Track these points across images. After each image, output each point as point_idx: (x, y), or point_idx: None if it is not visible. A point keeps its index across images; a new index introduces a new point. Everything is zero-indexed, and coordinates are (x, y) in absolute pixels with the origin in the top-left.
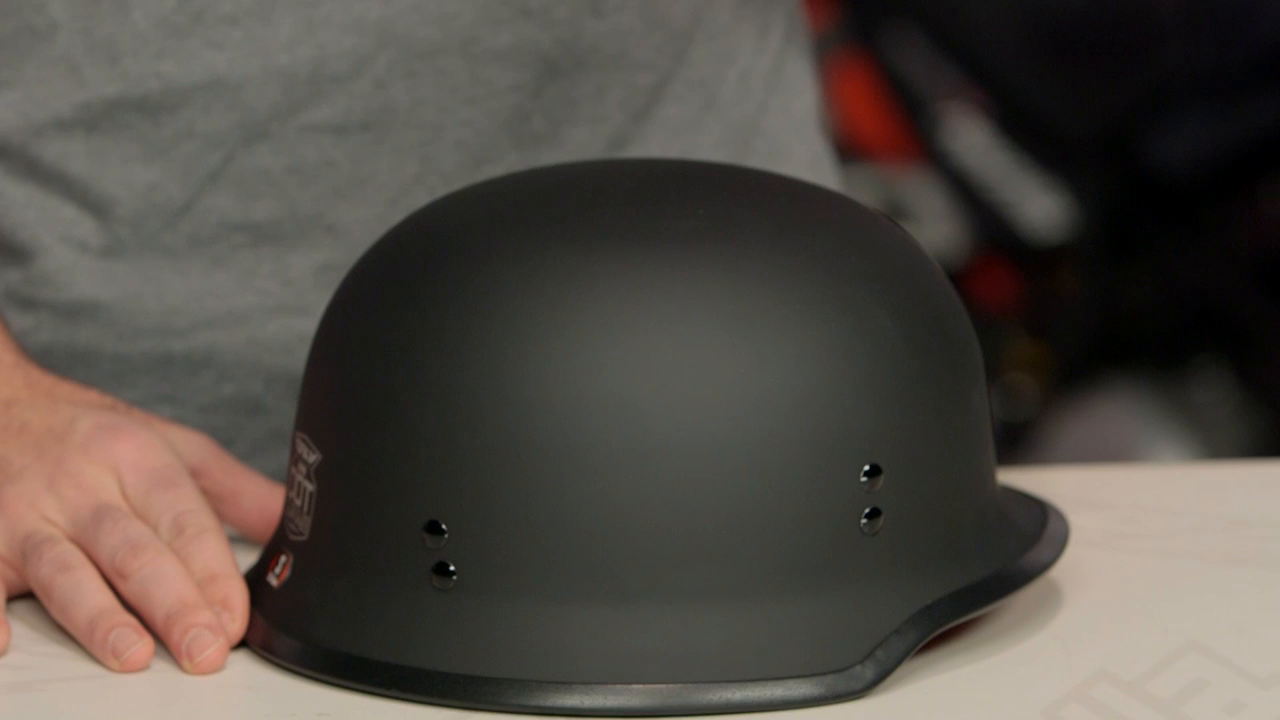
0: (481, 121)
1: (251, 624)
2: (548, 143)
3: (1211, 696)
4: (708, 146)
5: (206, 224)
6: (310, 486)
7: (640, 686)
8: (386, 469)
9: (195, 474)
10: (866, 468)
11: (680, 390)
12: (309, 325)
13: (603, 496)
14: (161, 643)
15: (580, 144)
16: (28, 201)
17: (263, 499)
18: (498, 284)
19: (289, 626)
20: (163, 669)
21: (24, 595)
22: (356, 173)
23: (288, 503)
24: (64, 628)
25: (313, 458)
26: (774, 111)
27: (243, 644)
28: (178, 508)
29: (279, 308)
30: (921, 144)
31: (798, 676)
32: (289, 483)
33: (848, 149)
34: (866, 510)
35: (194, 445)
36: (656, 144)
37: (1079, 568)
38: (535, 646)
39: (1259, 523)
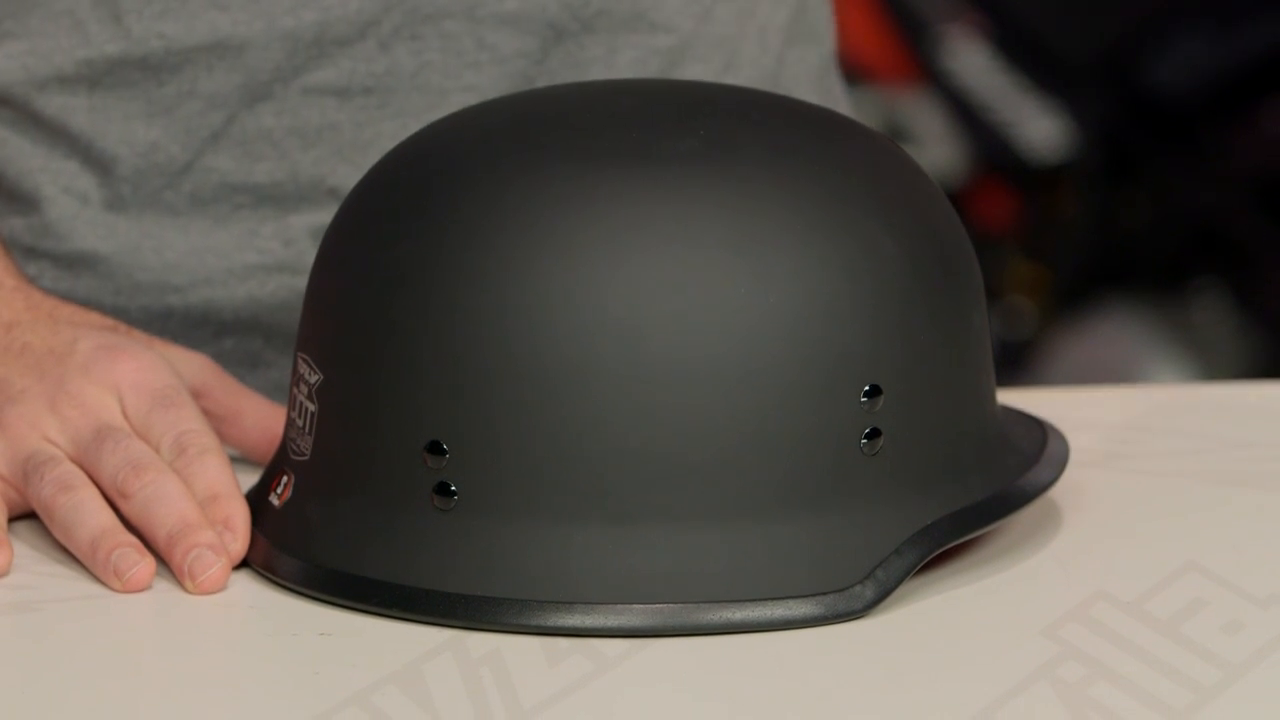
0: (486, 87)
1: (253, 544)
2: None
3: (1210, 616)
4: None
5: (208, 184)
6: (312, 407)
7: (640, 606)
8: (388, 390)
9: (197, 394)
10: (866, 388)
11: (680, 310)
12: None
13: (603, 417)
14: (163, 562)
15: None
16: (31, 152)
17: (264, 419)
18: (497, 204)
19: (290, 546)
20: (164, 589)
21: (25, 515)
22: (359, 135)
23: (289, 423)
24: (65, 548)
25: (314, 378)
26: (791, 63)
27: (244, 564)
28: (179, 428)
29: (279, 266)
30: (922, 66)
31: (798, 596)
32: (290, 403)
33: (848, 71)
34: (866, 430)
35: (195, 366)
36: None
37: (1078, 488)
38: (536, 567)
39: (1257, 443)
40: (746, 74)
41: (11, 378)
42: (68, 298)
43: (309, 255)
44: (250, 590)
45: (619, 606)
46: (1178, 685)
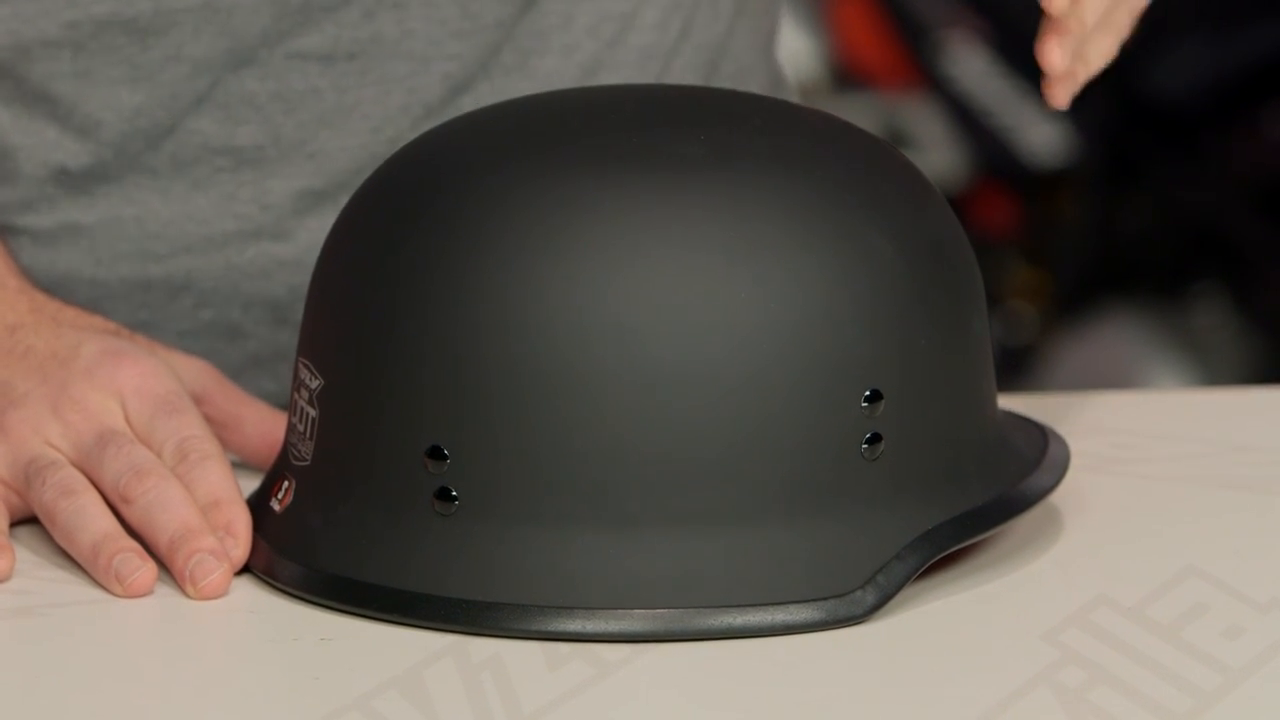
0: (467, 55)
1: (254, 549)
2: (516, 73)
3: (1211, 621)
4: (678, 69)
5: (189, 146)
6: (313, 412)
7: (641, 611)
8: (389, 394)
9: (197, 400)
10: (867, 393)
11: (681, 315)
12: (287, 250)
13: (604, 421)
14: (165, 568)
15: (550, 73)
16: (12, 125)
17: (265, 424)
18: (499, 209)
19: (291, 551)
20: (166, 594)
21: (27, 520)
22: (341, 101)
23: (290, 428)
24: (67, 553)
25: (315, 383)
26: (740, 33)
27: (246, 569)
28: (181, 433)
29: (257, 232)
30: (922, 71)
31: (798, 601)
32: (291, 408)
33: (849, 76)
34: (867, 435)
35: (196, 371)
36: (630, 70)
37: (1079, 493)
38: (537, 571)
39: (1258, 448)
40: (698, 40)
41: (14, 381)
42: (47, 271)
43: (287, 221)
44: (251, 595)
45: (619, 611)
46: (1178, 690)
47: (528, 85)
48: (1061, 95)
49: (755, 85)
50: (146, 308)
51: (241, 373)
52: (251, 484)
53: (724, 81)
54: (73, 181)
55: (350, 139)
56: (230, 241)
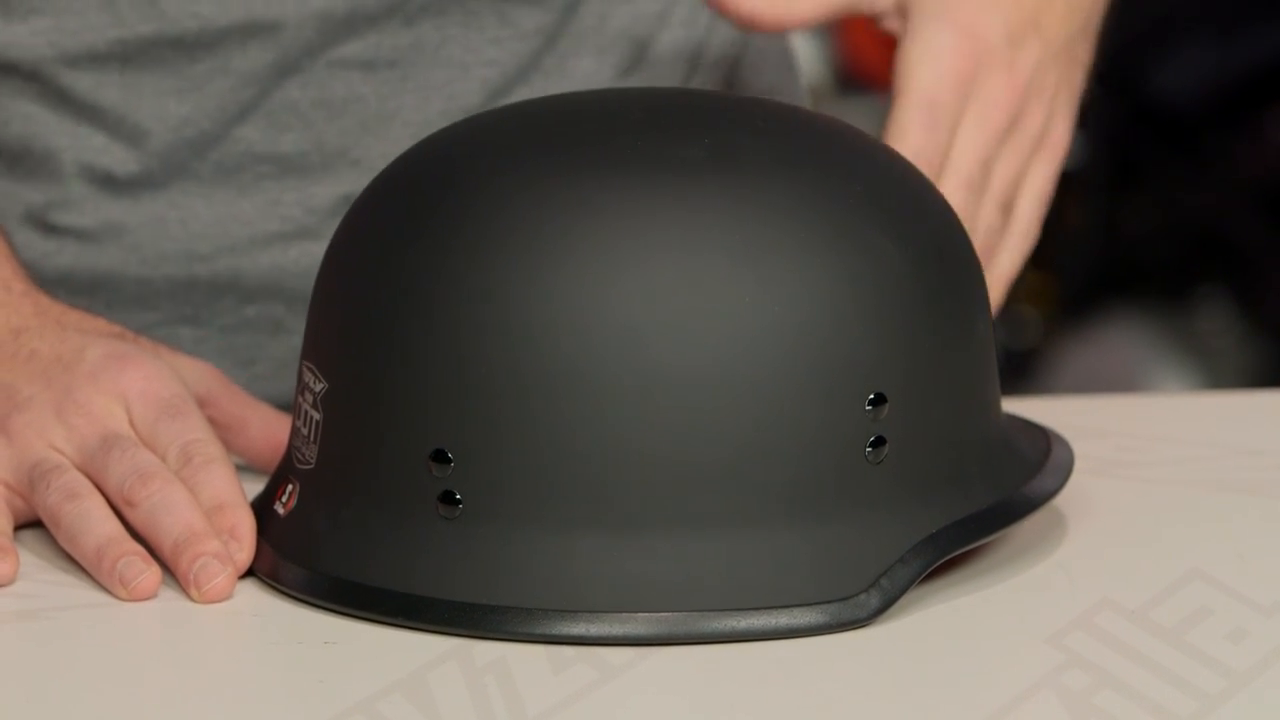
0: (506, 61)
1: (258, 553)
2: (554, 76)
3: (1215, 624)
4: (708, 63)
5: (234, 154)
6: (317, 415)
7: (645, 615)
8: (393, 398)
9: (202, 403)
10: (871, 396)
11: (685, 318)
12: None
13: (608, 425)
14: (169, 571)
15: (586, 74)
16: (58, 128)
17: (270, 427)
18: (504, 213)
19: (296, 555)
20: (170, 597)
21: (32, 524)
22: (383, 108)
23: (294, 431)
24: (72, 556)
25: (319, 387)
26: None
27: (250, 573)
28: (185, 437)
29: (301, 233)
30: None
31: (802, 605)
32: (295, 411)
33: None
34: (871, 438)
35: (201, 374)
36: (663, 66)
37: (1083, 496)
38: (541, 575)
39: (1262, 451)
40: (724, 35)
41: (19, 384)
42: (90, 270)
43: (331, 225)
44: (255, 599)
45: (623, 615)
46: (1182, 693)
47: (565, 88)
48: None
49: (771, 71)
50: (191, 304)
51: (287, 365)
52: (256, 486)
53: (746, 68)
54: (118, 185)
55: (392, 145)
56: (274, 242)
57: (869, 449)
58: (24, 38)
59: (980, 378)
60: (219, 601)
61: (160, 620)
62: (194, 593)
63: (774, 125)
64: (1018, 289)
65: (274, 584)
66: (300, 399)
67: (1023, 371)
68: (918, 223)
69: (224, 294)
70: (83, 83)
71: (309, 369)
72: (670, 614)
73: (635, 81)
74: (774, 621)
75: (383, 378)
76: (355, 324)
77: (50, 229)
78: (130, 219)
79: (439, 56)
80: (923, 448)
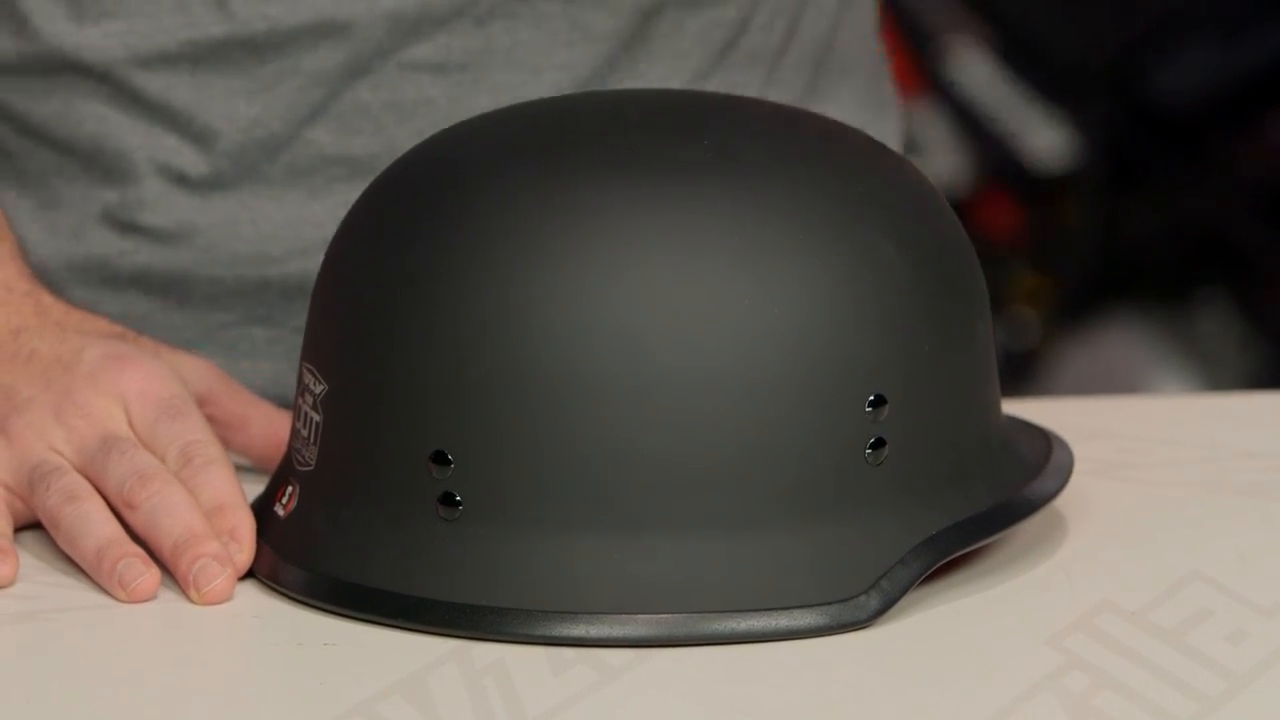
0: (578, 65)
1: (258, 554)
2: (628, 80)
3: (1215, 626)
4: (786, 69)
5: (305, 156)
6: (317, 417)
7: (645, 616)
8: (393, 400)
9: (203, 402)
10: (871, 398)
11: (685, 320)
12: None
13: (608, 427)
14: (169, 573)
15: (660, 80)
16: (131, 128)
17: (271, 425)
18: (503, 214)
19: (295, 557)
20: (170, 599)
21: (31, 526)
22: (454, 111)
23: (294, 433)
24: (71, 558)
25: (319, 388)
26: (845, 26)
27: (250, 574)
28: (185, 438)
29: None
30: (926, 76)
31: (802, 606)
32: (295, 413)
33: None
34: (871, 440)
35: (201, 372)
36: (739, 73)
37: (1083, 498)
38: (541, 576)
39: (1262, 453)
40: (806, 37)
41: (18, 385)
42: (164, 272)
43: None
44: (255, 600)
45: (623, 616)
46: (1182, 695)
47: None
48: None
49: (859, 76)
50: (264, 305)
51: None
52: (256, 487)
53: (831, 77)
54: (191, 186)
55: None
56: None
57: (869, 450)
58: (97, 40)
59: (980, 379)
60: (219, 603)
61: (160, 622)
62: (193, 594)
63: (774, 125)
64: (1018, 290)
65: (274, 585)
66: (300, 400)
67: (1023, 373)
68: (918, 223)
69: (295, 296)
70: (154, 84)
71: (309, 370)
72: (670, 615)
73: (711, 88)
74: (774, 623)
75: (383, 379)
76: (355, 325)
77: (125, 228)
78: (202, 220)
79: (510, 59)
80: (923, 449)
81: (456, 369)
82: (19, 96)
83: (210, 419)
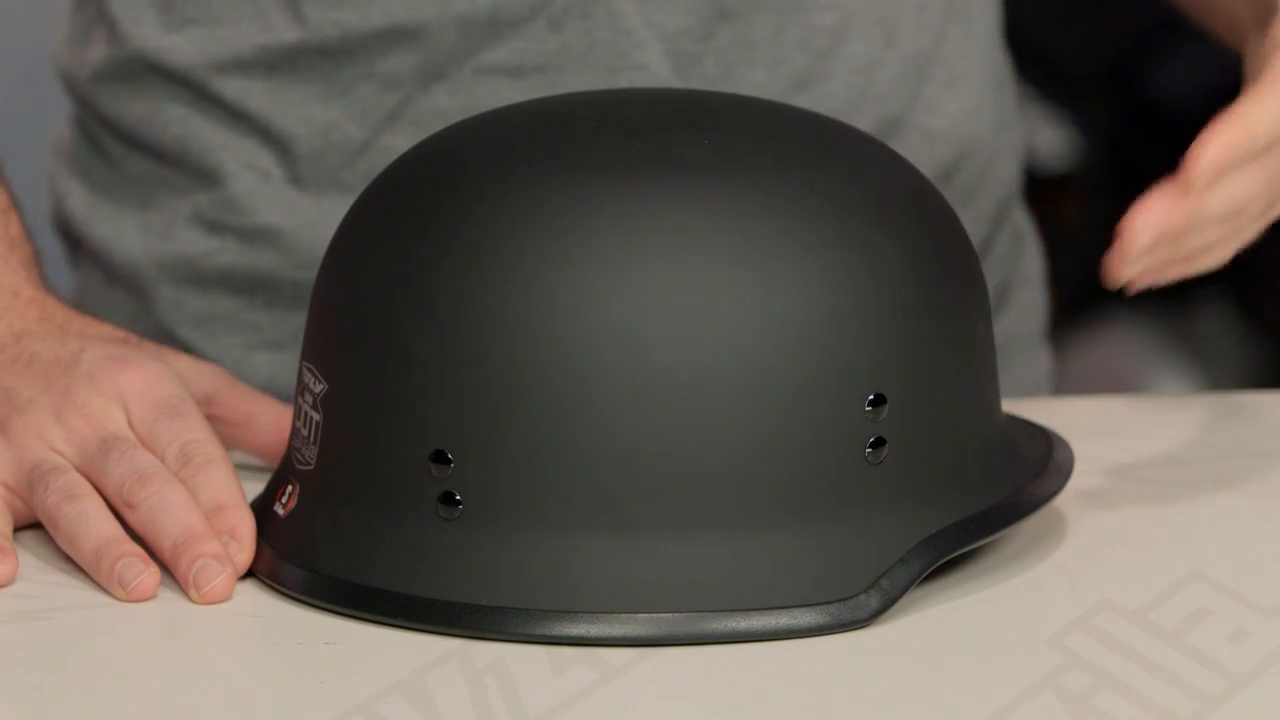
0: (654, 65)
1: (258, 554)
2: (720, 84)
3: (1215, 625)
4: (885, 81)
5: (384, 163)
6: (317, 416)
7: (645, 615)
8: (393, 399)
9: (208, 403)
10: (871, 397)
11: (685, 320)
12: None
13: (608, 426)
14: (168, 572)
15: (755, 85)
16: (213, 131)
17: (279, 421)
18: (503, 214)
19: (295, 556)
20: (169, 598)
21: (31, 525)
22: None
23: (294, 433)
24: (71, 557)
25: (319, 388)
26: (953, 39)
27: (250, 574)
28: (184, 437)
29: None
30: None
31: (802, 605)
32: (295, 412)
33: None
34: (871, 439)
35: (205, 374)
36: (837, 83)
37: (1083, 497)
38: (541, 576)
39: (1262, 453)
40: (904, 50)
41: (18, 387)
42: (249, 271)
43: None
44: (255, 600)
45: (624, 616)
46: (1182, 694)
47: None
48: (1125, 270)
49: (969, 90)
50: None
51: None
52: (256, 487)
53: (934, 89)
54: (273, 187)
55: None
56: None
57: (869, 450)
58: (178, 45)
59: (980, 378)
60: (218, 603)
61: (159, 621)
62: (193, 594)
63: (774, 125)
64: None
65: (274, 585)
66: (300, 400)
67: None
68: (918, 223)
69: None
70: (230, 89)
71: (309, 370)
72: (670, 615)
73: (809, 95)
74: (774, 622)
75: (382, 378)
76: (355, 325)
77: (213, 228)
78: (285, 222)
79: (587, 60)
80: (923, 448)
81: (456, 369)
82: (112, 101)
83: (217, 419)
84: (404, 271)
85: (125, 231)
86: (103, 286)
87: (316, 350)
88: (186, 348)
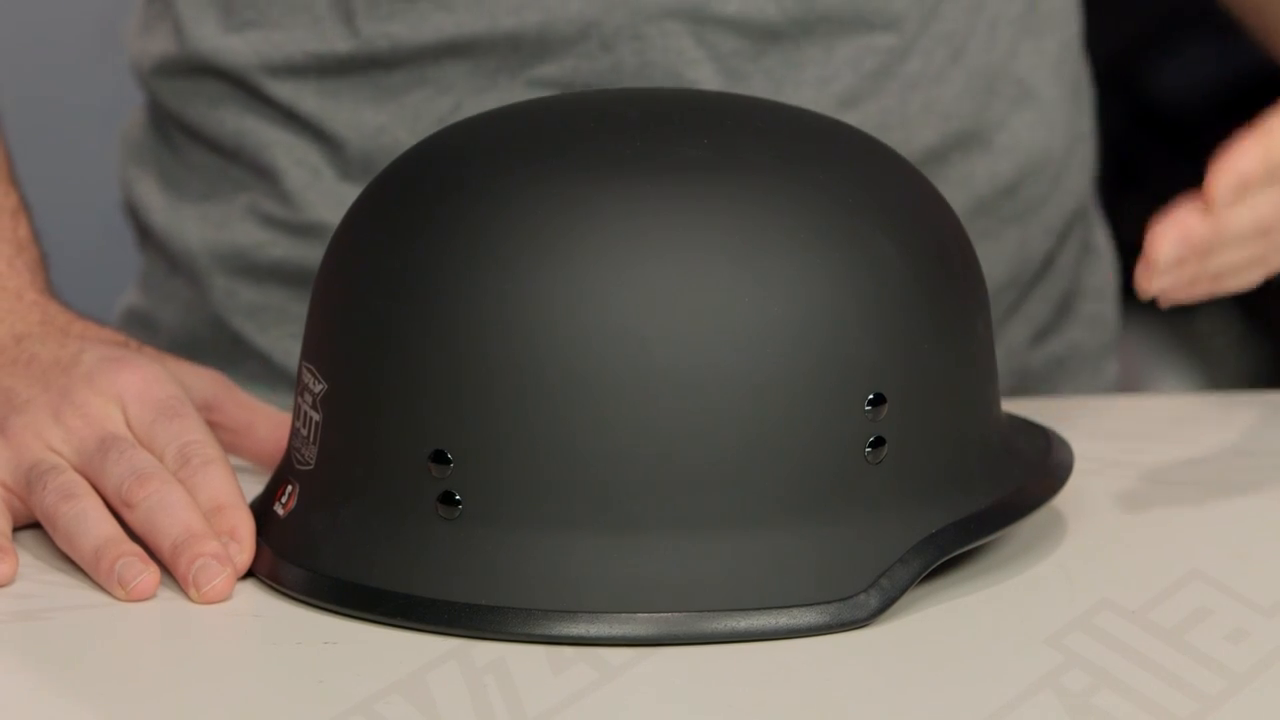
0: (705, 83)
1: (258, 554)
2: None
3: (1214, 625)
4: (949, 98)
5: None
6: (316, 416)
7: (645, 615)
8: (392, 399)
9: (208, 409)
10: (870, 396)
11: (684, 319)
12: None
13: (608, 426)
14: (168, 572)
15: (804, 103)
16: (267, 129)
17: (277, 429)
18: (503, 213)
19: (295, 556)
20: (169, 598)
21: (31, 525)
22: None
23: (294, 433)
24: (70, 557)
25: (319, 387)
26: (1024, 54)
27: (250, 574)
28: (183, 438)
29: None
30: None
31: (802, 605)
32: (295, 412)
33: None
34: (870, 439)
35: (206, 380)
36: (891, 99)
37: (1082, 496)
38: (541, 575)
39: (1261, 452)
40: (972, 65)
41: (17, 388)
42: (300, 265)
43: None
44: (255, 599)
45: (623, 615)
46: (1182, 694)
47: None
48: (1152, 284)
49: (1040, 104)
50: None
51: None
52: (256, 488)
53: (1002, 104)
54: (325, 184)
55: None
56: None
57: (868, 449)
58: (235, 45)
59: (980, 378)
60: (218, 602)
61: (159, 621)
62: (193, 594)
63: (774, 125)
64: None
65: (273, 585)
66: (300, 400)
67: None
68: (918, 223)
69: None
70: (283, 91)
71: (308, 370)
72: (670, 614)
73: (856, 113)
74: (774, 622)
75: (382, 378)
76: (355, 324)
77: (266, 221)
78: (334, 219)
79: (639, 78)
80: (922, 448)
81: (456, 368)
82: (175, 96)
83: (216, 425)
84: (404, 271)
85: (185, 220)
86: (165, 273)
87: (316, 350)
88: (239, 338)
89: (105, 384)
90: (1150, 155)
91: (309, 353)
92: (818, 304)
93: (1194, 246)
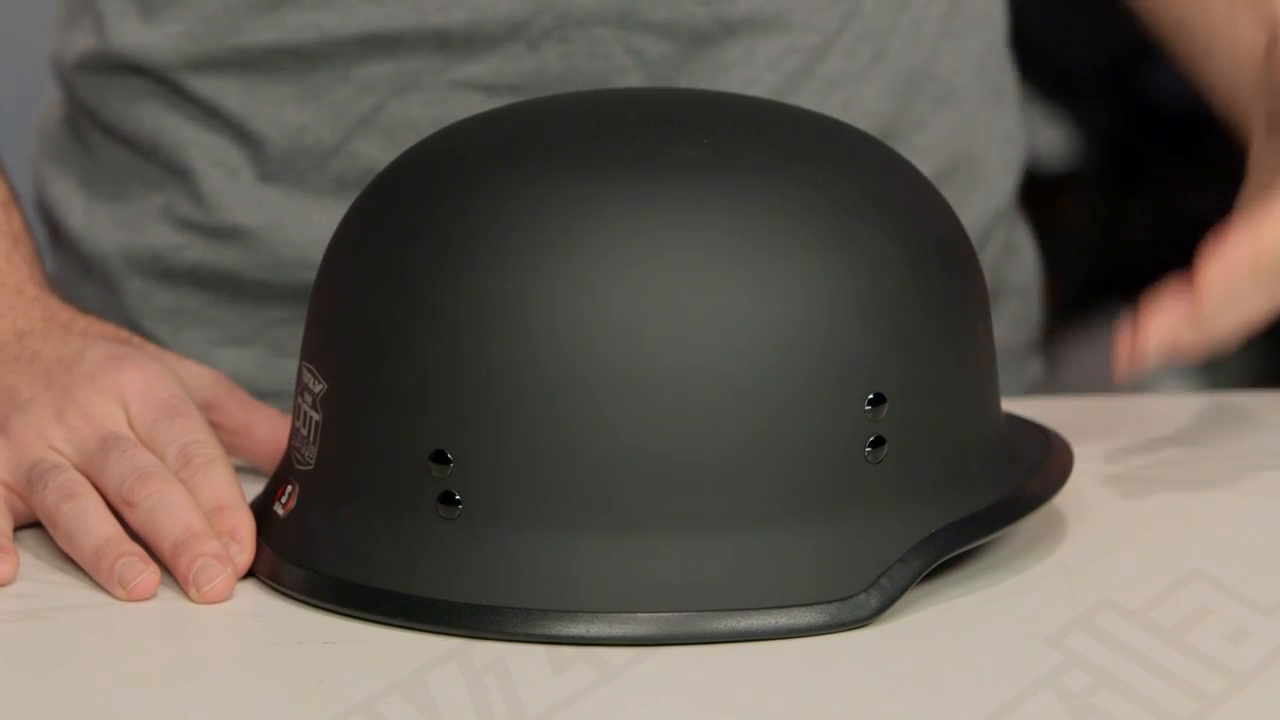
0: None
1: (258, 554)
2: None
3: (1215, 624)
4: (869, 97)
5: (353, 169)
6: (316, 416)
7: (645, 615)
8: (392, 399)
9: (208, 409)
10: (870, 396)
11: (684, 319)
12: None
13: (608, 426)
14: (168, 572)
15: None
16: (185, 129)
17: (278, 430)
18: (502, 213)
19: (295, 556)
20: (169, 598)
21: (31, 525)
22: None
23: (294, 432)
24: (70, 556)
25: (319, 387)
26: (947, 55)
27: (250, 574)
28: (184, 438)
29: None
30: None
31: (802, 605)
32: (295, 412)
33: None
34: (870, 439)
35: (206, 380)
36: (812, 98)
37: (1082, 496)
38: (541, 575)
39: (1262, 452)
40: (894, 66)
41: (19, 385)
42: (215, 268)
43: None
44: (255, 599)
45: (623, 615)
46: (1182, 694)
47: None
48: (1133, 370)
49: (964, 106)
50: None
51: None
52: (256, 488)
53: (924, 104)
54: (242, 186)
55: None
56: None
57: (868, 449)
58: (155, 41)
59: (980, 378)
60: (218, 602)
61: (159, 621)
62: (193, 593)
63: (774, 125)
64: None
65: (274, 585)
66: (300, 400)
67: None
68: (918, 222)
69: None
70: (205, 87)
71: (308, 370)
72: (670, 614)
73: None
74: (774, 621)
75: (382, 378)
76: (355, 324)
77: (181, 224)
78: (251, 221)
79: (564, 82)
80: (922, 447)
81: (456, 368)
82: (93, 93)
83: (216, 426)
84: (403, 271)
85: (97, 222)
86: (78, 276)
87: (316, 350)
88: (152, 341)
89: (107, 383)
90: (1150, 155)
91: (309, 353)
92: (817, 304)
93: (1179, 346)
